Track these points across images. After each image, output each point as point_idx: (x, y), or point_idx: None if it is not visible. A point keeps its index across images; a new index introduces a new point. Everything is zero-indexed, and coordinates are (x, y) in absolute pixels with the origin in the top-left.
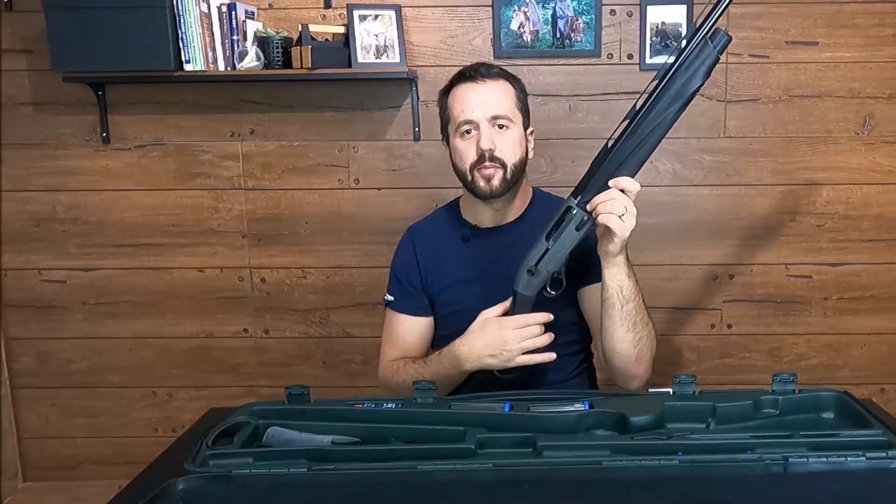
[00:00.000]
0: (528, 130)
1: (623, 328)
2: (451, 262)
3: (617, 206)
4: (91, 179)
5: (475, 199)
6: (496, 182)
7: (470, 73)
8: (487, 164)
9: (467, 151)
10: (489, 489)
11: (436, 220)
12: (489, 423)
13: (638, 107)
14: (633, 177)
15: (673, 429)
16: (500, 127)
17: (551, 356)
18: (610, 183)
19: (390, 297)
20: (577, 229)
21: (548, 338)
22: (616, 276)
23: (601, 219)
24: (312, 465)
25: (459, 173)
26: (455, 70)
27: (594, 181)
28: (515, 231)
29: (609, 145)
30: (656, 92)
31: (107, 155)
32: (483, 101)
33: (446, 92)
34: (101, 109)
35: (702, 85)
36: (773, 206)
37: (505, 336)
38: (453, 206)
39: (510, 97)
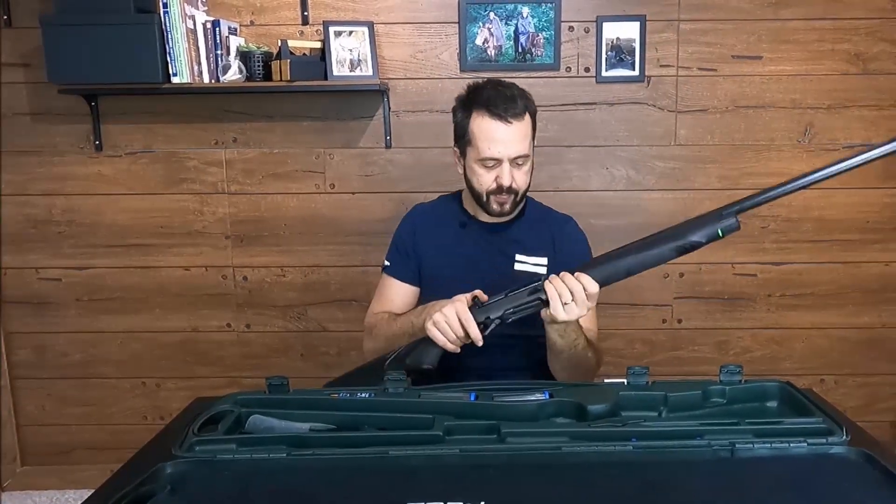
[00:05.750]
0: (534, 144)
1: (558, 365)
2: (446, 240)
3: (564, 293)
4: (85, 184)
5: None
6: (508, 206)
7: (500, 112)
8: (503, 195)
9: (486, 180)
10: (456, 473)
11: (439, 204)
12: (456, 411)
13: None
14: (602, 282)
15: (627, 417)
16: (519, 163)
17: (451, 349)
18: (576, 273)
19: (387, 263)
20: (529, 294)
21: (453, 346)
22: (550, 333)
23: (550, 293)
24: (291, 450)
25: (475, 192)
26: (424, 82)
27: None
28: (507, 231)
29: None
30: (664, 233)
31: (99, 161)
32: (508, 142)
33: (467, 108)
34: (94, 119)
35: (701, 244)
36: None
37: (446, 310)
38: (456, 196)
39: (529, 132)
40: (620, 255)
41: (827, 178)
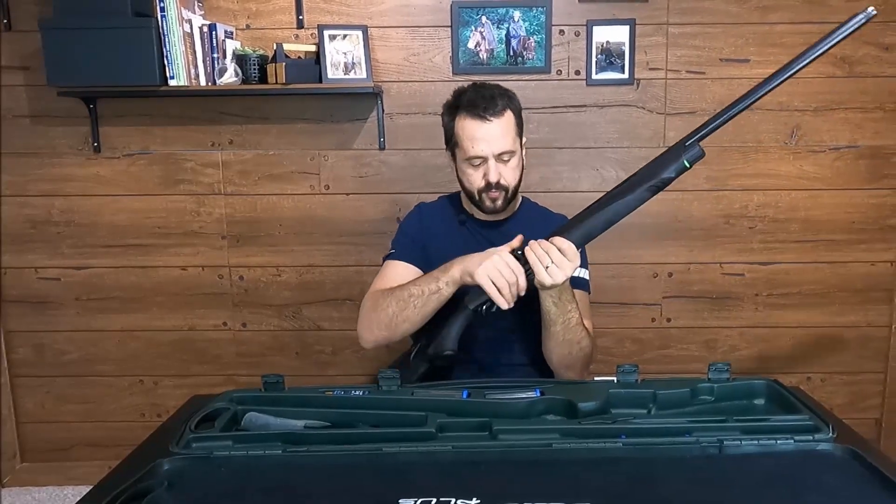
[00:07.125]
0: (523, 141)
1: (549, 340)
2: (446, 238)
3: (543, 258)
4: (83, 185)
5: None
6: (500, 203)
7: (480, 112)
8: (494, 191)
9: (475, 178)
10: (449, 469)
11: (440, 204)
12: (449, 408)
13: (613, 188)
14: (584, 239)
15: (617, 414)
16: (504, 159)
17: (503, 304)
18: (553, 239)
19: (392, 251)
20: (524, 264)
21: (510, 297)
22: (545, 299)
23: (531, 260)
24: (286, 447)
25: (468, 192)
26: (417, 85)
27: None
28: (502, 228)
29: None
30: (634, 178)
31: (98, 163)
32: (489, 139)
33: (452, 112)
34: (93, 121)
35: (672, 178)
36: (709, 210)
37: (495, 259)
38: (455, 197)
39: (512, 128)
40: (597, 210)
41: (769, 89)
